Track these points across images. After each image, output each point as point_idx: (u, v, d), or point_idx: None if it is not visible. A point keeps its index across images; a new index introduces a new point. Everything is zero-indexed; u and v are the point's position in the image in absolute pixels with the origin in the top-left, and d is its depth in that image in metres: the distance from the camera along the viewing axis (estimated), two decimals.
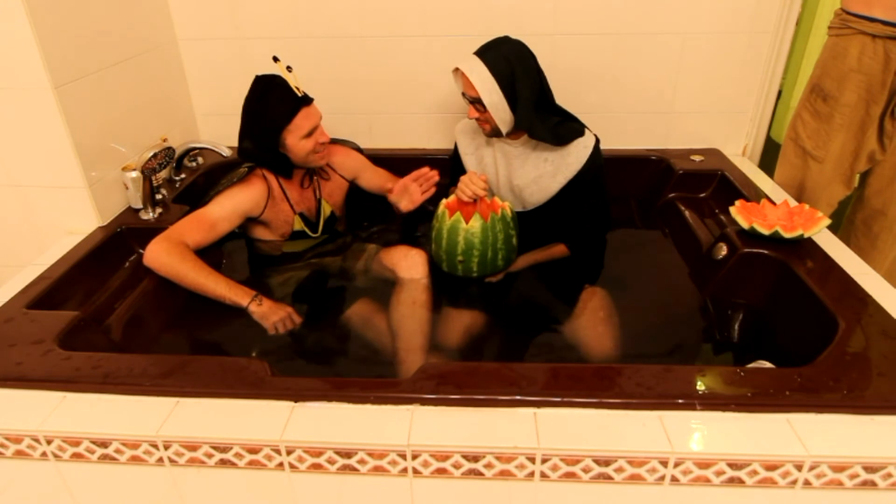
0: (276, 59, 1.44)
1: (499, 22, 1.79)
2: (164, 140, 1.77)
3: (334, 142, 1.72)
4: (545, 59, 1.79)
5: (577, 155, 1.50)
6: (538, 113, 1.46)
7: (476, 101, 1.45)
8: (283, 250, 1.61)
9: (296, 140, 1.45)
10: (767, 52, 1.82)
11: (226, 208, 1.47)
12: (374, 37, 1.85)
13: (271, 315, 1.36)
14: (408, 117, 1.98)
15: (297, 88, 1.44)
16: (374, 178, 1.75)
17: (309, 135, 1.46)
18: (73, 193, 1.47)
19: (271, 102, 1.43)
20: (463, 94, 1.49)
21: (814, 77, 1.73)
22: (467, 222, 1.40)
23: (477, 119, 1.49)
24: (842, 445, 0.88)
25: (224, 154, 1.66)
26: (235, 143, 1.77)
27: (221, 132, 1.98)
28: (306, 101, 1.45)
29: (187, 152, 1.79)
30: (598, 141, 1.52)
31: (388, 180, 1.76)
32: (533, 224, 1.57)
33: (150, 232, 1.53)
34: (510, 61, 1.41)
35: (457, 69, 1.46)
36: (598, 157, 1.52)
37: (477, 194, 1.41)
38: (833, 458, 0.87)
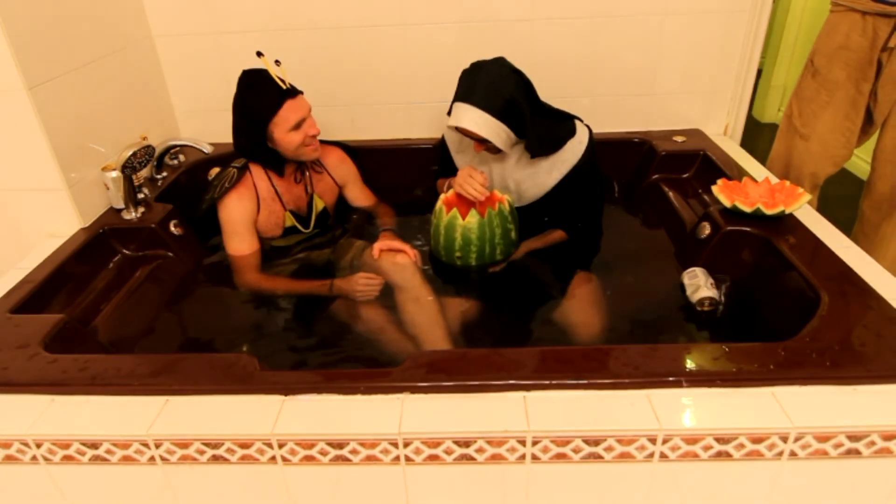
0: (259, 54, 1.43)
1: (477, 9, 1.78)
2: (144, 138, 1.75)
3: (333, 143, 1.72)
4: (524, 45, 1.79)
5: (571, 150, 1.50)
6: (535, 127, 1.43)
7: (485, 141, 1.41)
8: (272, 245, 1.61)
9: (283, 133, 1.44)
10: (745, 30, 1.83)
11: (240, 232, 1.52)
12: (353, 27, 1.83)
13: (351, 293, 1.40)
14: (389, 107, 1.97)
15: (283, 81, 1.43)
16: (358, 195, 1.76)
17: (297, 127, 1.44)
18: (53, 196, 1.46)
19: (256, 96, 1.42)
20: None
21: (810, 53, 1.74)
22: (464, 218, 1.40)
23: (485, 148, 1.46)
24: (826, 416, 0.90)
25: (205, 151, 1.64)
26: (217, 140, 1.77)
27: (202, 129, 1.96)
28: (292, 93, 1.44)
29: (168, 150, 1.77)
30: (591, 135, 1.52)
31: (370, 203, 1.77)
32: (529, 217, 1.58)
33: (132, 232, 1.52)
34: (508, 97, 1.36)
35: (460, 128, 1.39)
36: (592, 151, 1.51)
37: (476, 199, 1.41)
38: (817, 428, 0.89)
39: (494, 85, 1.37)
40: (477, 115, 1.36)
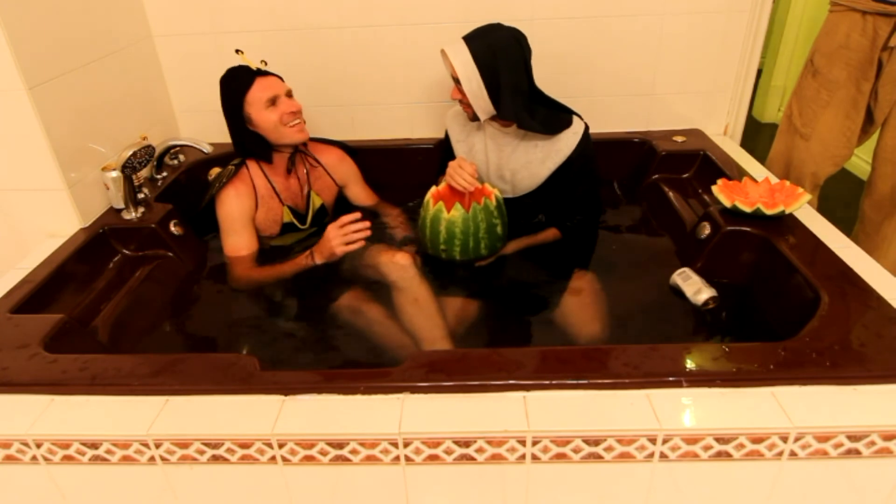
0: (238, 52, 1.51)
1: (477, 8, 1.79)
2: (144, 138, 1.75)
3: (333, 143, 1.72)
4: None
5: (566, 141, 1.50)
6: (526, 105, 1.45)
7: (459, 83, 1.44)
8: (271, 244, 1.61)
9: (258, 111, 1.47)
10: (745, 30, 1.83)
11: (237, 230, 1.53)
12: (353, 27, 1.84)
13: (331, 252, 1.39)
14: (390, 107, 1.97)
15: (258, 67, 1.49)
16: (359, 194, 1.77)
17: (271, 105, 1.47)
18: (53, 196, 1.46)
19: (230, 81, 1.48)
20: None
21: (810, 53, 1.74)
22: (449, 212, 1.40)
23: (459, 101, 1.49)
24: (826, 416, 0.90)
25: (205, 150, 1.64)
26: (216, 140, 1.78)
27: (202, 128, 1.96)
28: (260, 72, 1.49)
29: (168, 150, 1.77)
30: (587, 128, 1.53)
31: (372, 202, 1.78)
32: (524, 209, 1.58)
33: (133, 232, 1.52)
34: (495, 53, 1.39)
35: (443, 51, 1.46)
36: (587, 144, 1.52)
37: (466, 189, 1.41)
38: (817, 428, 0.89)
39: (495, 45, 1.40)
40: (463, 51, 1.40)
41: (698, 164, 1.82)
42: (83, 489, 1.01)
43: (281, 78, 1.52)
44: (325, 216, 1.68)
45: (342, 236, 1.37)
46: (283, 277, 1.47)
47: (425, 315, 1.35)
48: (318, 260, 1.42)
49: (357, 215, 1.38)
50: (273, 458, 0.94)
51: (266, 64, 1.51)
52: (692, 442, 0.90)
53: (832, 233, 1.34)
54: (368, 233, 1.37)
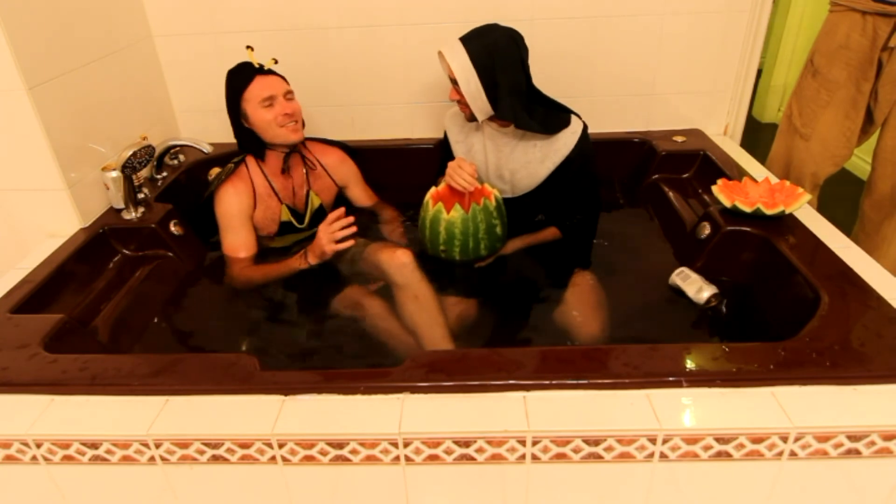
0: (249, 48, 1.53)
1: (477, 8, 1.79)
2: (144, 138, 1.75)
3: (333, 143, 1.72)
4: None
5: (564, 141, 1.50)
6: (524, 104, 1.45)
7: (457, 84, 1.45)
8: (270, 246, 1.61)
9: (254, 109, 1.48)
10: (745, 30, 1.83)
11: (235, 227, 1.53)
12: (353, 27, 1.84)
13: (322, 250, 1.39)
14: (390, 107, 1.97)
15: (261, 65, 1.50)
16: (360, 195, 1.78)
17: (268, 104, 1.48)
18: (53, 196, 1.46)
19: (233, 76, 1.50)
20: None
21: (810, 53, 1.74)
22: (448, 212, 1.40)
23: (458, 102, 1.49)
24: (826, 416, 0.90)
25: (205, 150, 1.64)
26: (217, 140, 1.78)
27: (202, 128, 1.96)
28: (262, 70, 1.50)
29: (168, 150, 1.77)
30: (585, 127, 1.53)
31: (372, 203, 1.79)
32: (523, 209, 1.58)
33: (132, 232, 1.52)
34: (492, 53, 1.40)
35: (440, 52, 1.46)
36: (586, 143, 1.52)
37: (466, 189, 1.41)
38: (817, 428, 0.89)
39: (492, 46, 1.40)
40: (460, 52, 1.41)
41: (698, 164, 1.82)
42: (83, 489, 1.01)
43: (284, 79, 1.52)
44: (323, 216, 1.68)
45: (330, 234, 1.37)
46: (281, 277, 1.48)
47: (426, 312, 1.35)
48: (312, 260, 1.42)
49: (342, 211, 1.38)
50: (273, 458, 0.94)
51: (276, 62, 1.53)
52: (692, 442, 0.90)
53: (832, 233, 1.34)
54: (355, 229, 1.37)
